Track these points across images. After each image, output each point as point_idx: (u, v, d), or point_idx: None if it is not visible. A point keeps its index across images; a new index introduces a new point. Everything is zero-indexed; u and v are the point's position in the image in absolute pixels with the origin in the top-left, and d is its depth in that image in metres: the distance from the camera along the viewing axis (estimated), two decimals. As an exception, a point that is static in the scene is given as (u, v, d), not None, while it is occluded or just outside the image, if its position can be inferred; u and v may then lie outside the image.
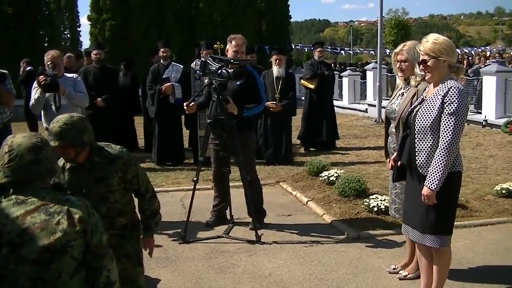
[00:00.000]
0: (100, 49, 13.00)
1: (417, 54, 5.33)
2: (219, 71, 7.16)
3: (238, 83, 7.49)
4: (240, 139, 7.42)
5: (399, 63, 5.88)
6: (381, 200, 8.15)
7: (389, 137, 6.15)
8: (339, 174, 9.81)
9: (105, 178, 4.43)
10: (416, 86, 5.62)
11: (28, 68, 17.91)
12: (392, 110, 5.98)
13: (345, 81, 25.83)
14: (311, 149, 14.28)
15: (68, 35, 49.53)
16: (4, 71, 8.07)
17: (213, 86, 7.38)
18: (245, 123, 7.65)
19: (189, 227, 7.47)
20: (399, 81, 6.16)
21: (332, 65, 19.14)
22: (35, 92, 7.80)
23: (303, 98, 16.02)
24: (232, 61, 7.46)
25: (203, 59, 7.73)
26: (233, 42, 7.73)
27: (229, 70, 7.18)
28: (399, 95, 6.04)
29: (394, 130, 5.88)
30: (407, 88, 5.88)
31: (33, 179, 3.20)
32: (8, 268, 3.04)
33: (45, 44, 33.84)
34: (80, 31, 49.10)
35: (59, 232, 3.07)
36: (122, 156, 4.46)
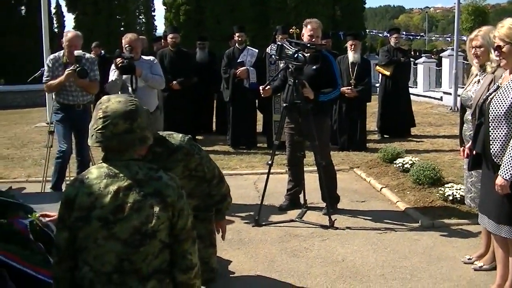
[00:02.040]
0: (176, 32, 13.11)
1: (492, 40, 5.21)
2: (295, 55, 7.15)
3: (314, 67, 7.49)
4: (316, 124, 7.41)
5: (474, 49, 5.75)
6: (457, 189, 8.02)
7: (465, 125, 6.03)
8: (414, 161, 9.69)
9: (167, 169, 4.03)
10: (493, 73, 5.47)
11: (101, 53, 18.14)
12: (468, 98, 5.85)
13: (420, 68, 25.43)
14: (385, 136, 14.16)
15: (143, 20, 50.16)
16: (92, 55, 8.32)
17: (289, 70, 7.39)
18: (321, 107, 7.64)
19: (262, 210, 7.53)
20: (474, 68, 6.01)
21: (408, 51, 18.85)
22: (112, 74, 7.98)
23: (377, 84, 15.87)
24: (308, 45, 7.45)
25: (280, 43, 7.74)
26: (309, 26, 7.71)
27: (306, 54, 7.18)
28: (475, 82, 5.90)
29: (470, 117, 5.77)
30: (483, 75, 5.74)
31: (126, 148, 3.15)
32: (96, 242, 3.03)
33: (121, 29, 34.47)
34: (154, 15, 49.62)
35: (152, 216, 3.05)
36: (184, 146, 4.42)
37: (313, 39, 7.65)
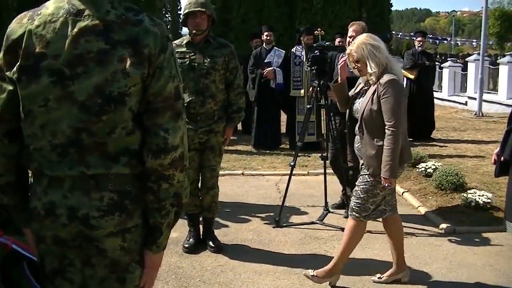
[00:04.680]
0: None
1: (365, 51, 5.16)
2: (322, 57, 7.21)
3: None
4: (342, 126, 7.43)
5: (354, 63, 5.41)
6: (479, 195, 7.97)
7: (356, 136, 5.74)
8: (437, 166, 9.63)
9: (213, 56, 5.93)
10: (375, 84, 5.27)
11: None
12: (356, 109, 5.59)
13: (445, 72, 25.33)
14: (409, 139, 14.02)
15: (169, 18, 50.41)
16: None
17: (313, 72, 7.44)
18: None
19: (283, 211, 7.51)
20: (361, 79, 5.65)
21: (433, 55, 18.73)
22: None
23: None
24: (326, 45, 7.55)
25: (309, 44, 7.81)
26: (350, 28, 7.74)
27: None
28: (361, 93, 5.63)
29: (358, 129, 5.56)
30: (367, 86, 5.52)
31: None
32: (47, 105, 2.32)
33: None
34: (180, 14, 49.75)
35: (121, 73, 2.30)
36: (231, 46, 6.09)
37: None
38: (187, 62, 5.97)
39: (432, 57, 15.61)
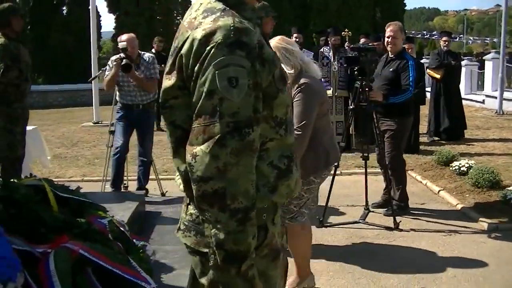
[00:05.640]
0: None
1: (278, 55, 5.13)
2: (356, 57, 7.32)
3: (391, 69, 7.63)
4: (393, 125, 7.62)
5: None
6: (517, 193, 8.02)
7: None
8: (471, 164, 9.66)
9: None
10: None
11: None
12: None
13: (462, 71, 25.28)
14: (435, 138, 14.10)
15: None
16: (151, 54, 8.43)
17: (355, 72, 7.51)
18: (398, 109, 7.72)
19: (326, 212, 7.53)
20: None
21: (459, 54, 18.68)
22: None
23: (428, 88, 15.76)
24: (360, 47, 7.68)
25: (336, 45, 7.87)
26: (388, 29, 7.80)
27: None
28: None
29: None
30: None
31: None
32: None
33: (160, 29, 34.67)
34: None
35: None
36: None
37: (390, 40, 7.78)
38: None
39: (457, 56, 15.61)
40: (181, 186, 2.35)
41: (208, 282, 2.28)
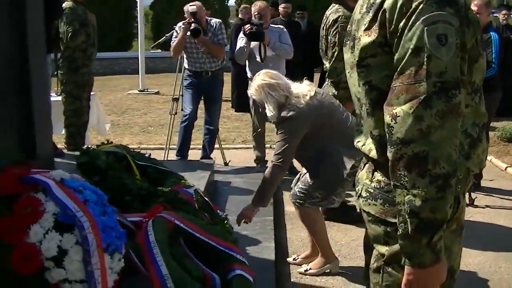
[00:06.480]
0: (288, 2, 12.70)
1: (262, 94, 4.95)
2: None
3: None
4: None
5: None
6: None
7: None
8: (537, 141, 9.50)
9: None
10: None
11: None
12: None
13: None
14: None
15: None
16: (218, 20, 8.27)
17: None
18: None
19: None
20: None
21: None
22: (240, 42, 7.97)
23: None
24: None
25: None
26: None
27: None
28: None
29: None
30: None
31: None
32: None
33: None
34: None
35: None
36: None
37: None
38: None
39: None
40: (372, 152, 2.21)
41: (390, 252, 2.18)
